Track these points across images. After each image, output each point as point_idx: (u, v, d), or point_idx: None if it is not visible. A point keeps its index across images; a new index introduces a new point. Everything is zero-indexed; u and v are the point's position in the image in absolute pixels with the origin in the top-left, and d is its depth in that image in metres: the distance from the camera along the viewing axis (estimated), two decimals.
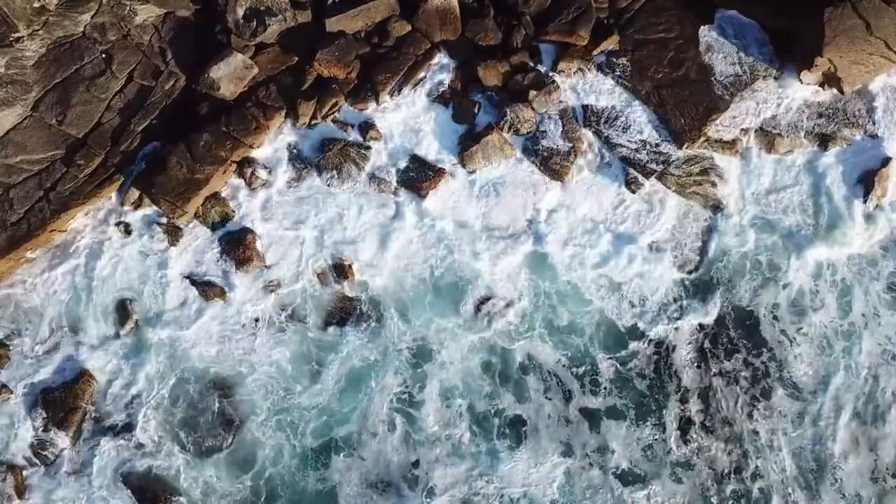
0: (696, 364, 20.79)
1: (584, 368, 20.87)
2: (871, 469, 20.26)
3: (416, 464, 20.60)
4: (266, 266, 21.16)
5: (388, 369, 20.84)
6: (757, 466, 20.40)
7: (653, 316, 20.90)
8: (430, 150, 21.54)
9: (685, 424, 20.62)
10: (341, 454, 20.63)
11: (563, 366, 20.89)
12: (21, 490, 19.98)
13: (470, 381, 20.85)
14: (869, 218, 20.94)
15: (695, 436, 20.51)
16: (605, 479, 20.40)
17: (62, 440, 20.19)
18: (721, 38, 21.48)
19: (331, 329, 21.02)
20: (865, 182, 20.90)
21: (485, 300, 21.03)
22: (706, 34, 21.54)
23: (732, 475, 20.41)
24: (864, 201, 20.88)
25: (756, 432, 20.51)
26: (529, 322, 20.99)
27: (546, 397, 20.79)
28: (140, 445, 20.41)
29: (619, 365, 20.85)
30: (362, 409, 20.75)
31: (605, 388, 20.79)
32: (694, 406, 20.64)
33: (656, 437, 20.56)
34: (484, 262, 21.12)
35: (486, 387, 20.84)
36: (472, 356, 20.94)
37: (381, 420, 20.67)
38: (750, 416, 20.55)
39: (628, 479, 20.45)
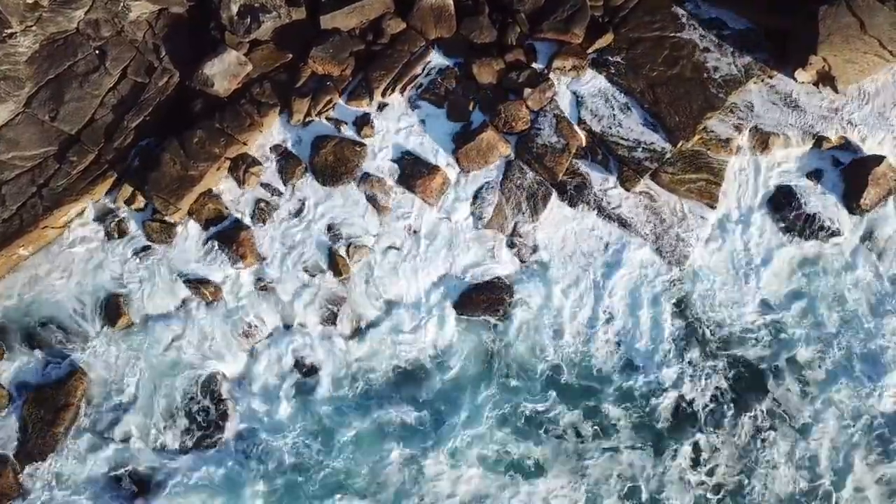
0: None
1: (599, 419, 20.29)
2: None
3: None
4: (261, 263, 21.09)
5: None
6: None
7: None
8: (425, 147, 21.48)
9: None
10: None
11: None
12: (18, 488, 19.83)
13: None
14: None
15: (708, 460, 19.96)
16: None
17: (54, 437, 20.04)
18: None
19: (324, 330, 20.85)
20: (858, 182, 20.89)
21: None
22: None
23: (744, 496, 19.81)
24: (858, 202, 20.86)
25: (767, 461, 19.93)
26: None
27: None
28: (130, 447, 20.12)
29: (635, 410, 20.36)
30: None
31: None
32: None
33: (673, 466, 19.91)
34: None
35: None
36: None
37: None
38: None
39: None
